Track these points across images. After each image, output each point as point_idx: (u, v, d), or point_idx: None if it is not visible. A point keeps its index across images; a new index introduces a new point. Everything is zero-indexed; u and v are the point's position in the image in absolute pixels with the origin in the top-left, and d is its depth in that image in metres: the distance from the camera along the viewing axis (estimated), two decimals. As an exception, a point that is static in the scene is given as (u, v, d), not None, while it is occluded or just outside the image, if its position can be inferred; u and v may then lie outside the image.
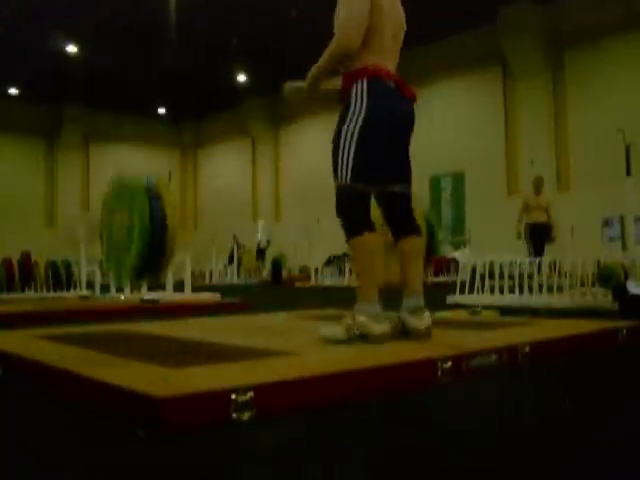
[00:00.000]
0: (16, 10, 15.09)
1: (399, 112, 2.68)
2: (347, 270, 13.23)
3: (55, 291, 8.85)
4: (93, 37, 16.89)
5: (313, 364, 2.12)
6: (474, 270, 6.92)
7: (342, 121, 2.62)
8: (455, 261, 13.38)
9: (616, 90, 14.61)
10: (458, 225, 17.47)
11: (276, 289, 13.06)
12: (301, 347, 2.47)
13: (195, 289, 7.90)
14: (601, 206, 13.82)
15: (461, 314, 4.44)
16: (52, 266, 8.97)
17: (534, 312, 4.91)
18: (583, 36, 15.15)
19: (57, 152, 23.60)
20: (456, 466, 1.30)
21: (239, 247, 17.88)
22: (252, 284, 15.63)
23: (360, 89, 2.60)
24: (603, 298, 5.67)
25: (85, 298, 7.69)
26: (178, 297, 6.88)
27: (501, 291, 6.47)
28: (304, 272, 16.45)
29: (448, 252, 15.71)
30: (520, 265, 6.44)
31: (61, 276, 8.92)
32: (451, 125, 17.67)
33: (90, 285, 8.94)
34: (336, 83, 2.85)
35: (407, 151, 2.78)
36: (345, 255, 13.43)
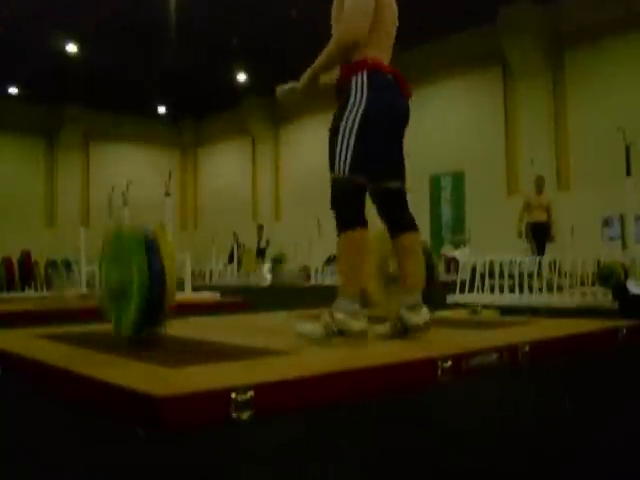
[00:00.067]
0: (16, 10, 15.08)
1: (398, 106, 2.68)
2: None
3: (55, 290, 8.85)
4: (93, 37, 16.88)
5: (313, 364, 2.12)
6: (474, 269, 6.93)
7: (341, 113, 2.60)
8: (455, 260, 13.38)
9: (616, 90, 14.60)
10: (458, 224, 17.46)
11: (276, 288, 13.06)
12: (301, 347, 2.47)
13: (195, 289, 7.90)
14: (601, 205, 13.82)
15: (461, 313, 4.44)
16: (52, 265, 8.97)
17: (534, 311, 4.91)
18: (583, 36, 15.14)
19: (57, 152, 23.58)
20: (456, 466, 1.30)
21: (239, 246, 17.86)
22: (252, 284, 15.62)
23: (360, 81, 2.59)
24: (603, 297, 5.67)
25: (85, 297, 7.69)
26: (178, 296, 6.87)
27: (501, 290, 6.47)
28: (304, 272, 16.43)
29: (448, 251, 15.73)
30: (520, 264, 6.44)
31: (61, 275, 8.92)
32: (451, 124, 17.66)
33: (90, 284, 8.94)
34: (332, 77, 2.84)
35: (402, 147, 2.78)
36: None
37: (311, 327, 2.56)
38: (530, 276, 6.48)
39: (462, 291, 6.58)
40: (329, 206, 2.61)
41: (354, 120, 2.56)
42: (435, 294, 3.82)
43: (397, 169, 2.76)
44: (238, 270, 17.10)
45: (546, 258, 6.78)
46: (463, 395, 2.00)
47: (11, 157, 22.79)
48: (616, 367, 2.57)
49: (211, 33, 16.61)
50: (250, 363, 2.11)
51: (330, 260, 15.86)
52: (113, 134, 24.32)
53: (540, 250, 8.35)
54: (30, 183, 23.06)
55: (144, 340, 2.59)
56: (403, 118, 2.71)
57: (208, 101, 22.86)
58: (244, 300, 6.84)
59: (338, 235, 2.57)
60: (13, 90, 21.34)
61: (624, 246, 10.71)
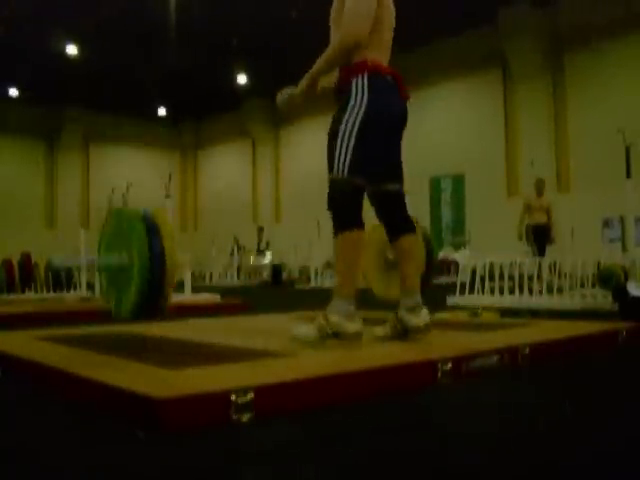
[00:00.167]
0: (16, 10, 15.09)
1: (397, 108, 2.68)
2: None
3: (55, 292, 8.85)
4: (93, 37, 16.89)
5: (313, 366, 2.12)
6: (474, 271, 6.93)
7: (341, 115, 2.59)
8: (455, 262, 13.38)
9: (616, 91, 14.61)
10: (458, 226, 17.47)
11: (276, 290, 13.06)
12: (301, 349, 2.47)
13: (195, 290, 7.90)
14: (601, 207, 13.82)
15: (461, 315, 4.44)
16: (52, 267, 8.96)
17: (534, 313, 4.91)
18: (583, 37, 15.15)
19: (57, 153, 23.58)
20: (456, 468, 1.30)
21: (239, 248, 17.88)
22: (252, 285, 15.62)
23: (361, 83, 2.59)
24: (603, 299, 5.67)
25: (86, 299, 7.69)
26: (178, 298, 6.88)
27: (501, 292, 6.47)
28: (304, 273, 16.43)
29: (448, 253, 15.72)
30: (520, 266, 6.44)
31: (61, 277, 8.92)
32: (451, 127, 17.67)
33: (90, 286, 8.94)
34: (330, 80, 2.83)
35: (400, 149, 2.78)
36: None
37: (305, 330, 2.54)
38: (530, 278, 6.48)
39: (462, 293, 6.57)
40: (327, 207, 2.61)
41: (354, 122, 2.56)
42: (433, 276, 3.87)
43: (396, 171, 2.77)
44: (238, 272, 17.11)
45: (546, 260, 6.78)
46: (463, 397, 2.00)
47: (11, 159, 22.80)
48: (616, 369, 2.57)
49: (211, 34, 16.62)
50: (250, 365, 2.10)
51: (330, 265, 15.85)
52: (113, 136, 24.34)
53: (541, 252, 8.37)
54: (30, 185, 23.06)
55: (144, 339, 2.59)
56: (402, 120, 2.72)
57: (208, 103, 22.88)
58: (243, 302, 6.84)
59: (335, 236, 2.57)
60: (13, 92, 21.34)
61: (624, 248, 10.71)
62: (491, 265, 6.73)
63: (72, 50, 17.85)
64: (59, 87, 20.46)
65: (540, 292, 6.24)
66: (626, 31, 14.43)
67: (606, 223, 14.25)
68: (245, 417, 1.62)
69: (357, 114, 2.56)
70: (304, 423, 1.66)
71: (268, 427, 1.60)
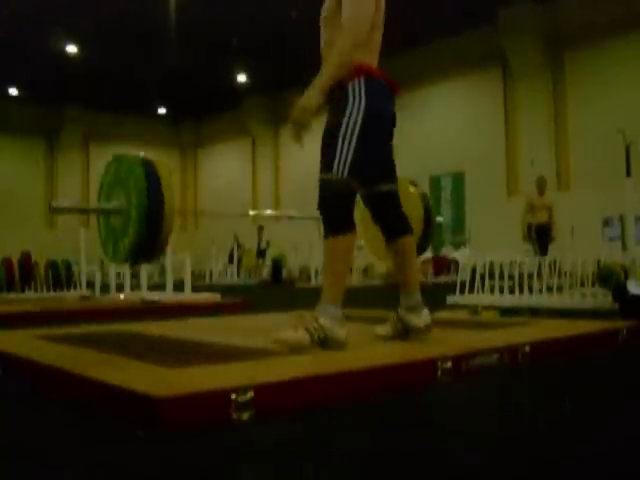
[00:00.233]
0: (16, 10, 15.09)
1: (390, 111, 2.69)
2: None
3: (55, 291, 8.85)
4: (93, 37, 16.89)
5: (313, 364, 2.13)
6: (474, 270, 6.92)
7: (339, 117, 2.57)
8: (455, 261, 13.38)
9: (616, 90, 14.60)
10: (458, 225, 17.47)
11: (276, 289, 13.06)
12: (301, 348, 2.46)
13: (195, 289, 7.90)
14: (601, 206, 13.82)
15: (461, 314, 4.44)
16: (52, 266, 8.97)
17: (534, 312, 4.91)
18: (583, 36, 15.15)
19: (57, 152, 23.59)
20: (456, 467, 1.30)
21: (239, 247, 17.88)
22: (252, 284, 15.62)
23: (357, 87, 2.58)
24: (603, 298, 5.66)
25: (86, 298, 7.69)
26: (178, 297, 6.89)
27: (501, 291, 6.47)
28: (304, 272, 16.44)
29: (448, 252, 15.73)
30: (520, 265, 6.44)
31: (61, 276, 8.92)
32: (451, 125, 17.67)
33: (90, 285, 8.94)
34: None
35: (392, 150, 2.79)
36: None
37: (296, 335, 2.41)
38: (530, 277, 6.47)
39: (462, 292, 6.57)
40: (318, 207, 2.58)
41: (355, 124, 2.54)
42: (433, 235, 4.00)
43: (390, 172, 2.78)
44: (238, 270, 17.12)
45: (546, 259, 6.78)
46: (463, 396, 2.00)
47: (11, 158, 22.81)
48: (616, 368, 2.57)
49: (211, 33, 16.62)
50: (250, 364, 2.10)
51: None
52: (113, 135, 24.33)
53: (543, 251, 8.34)
54: (30, 184, 23.07)
55: (144, 338, 2.59)
56: (393, 123, 2.73)
57: (208, 101, 22.87)
58: (244, 301, 6.84)
59: (325, 237, 2.54)
60: (13, 91, 21.35)
61: (624, 247, 10.70)
62: (491, 264, 6.73)
63: (72, 50, 17.85)
64: (59, 87, 20.47)
65: (540, 291, 6.24)
66: (626, 30, 14.43)
67: (606, 222, 14.25)
68: (245, 416, 1.62)
69: (357, 116, 2.55)
70: (304, 421, 1.66)
71: (268, 426, 1.60)
